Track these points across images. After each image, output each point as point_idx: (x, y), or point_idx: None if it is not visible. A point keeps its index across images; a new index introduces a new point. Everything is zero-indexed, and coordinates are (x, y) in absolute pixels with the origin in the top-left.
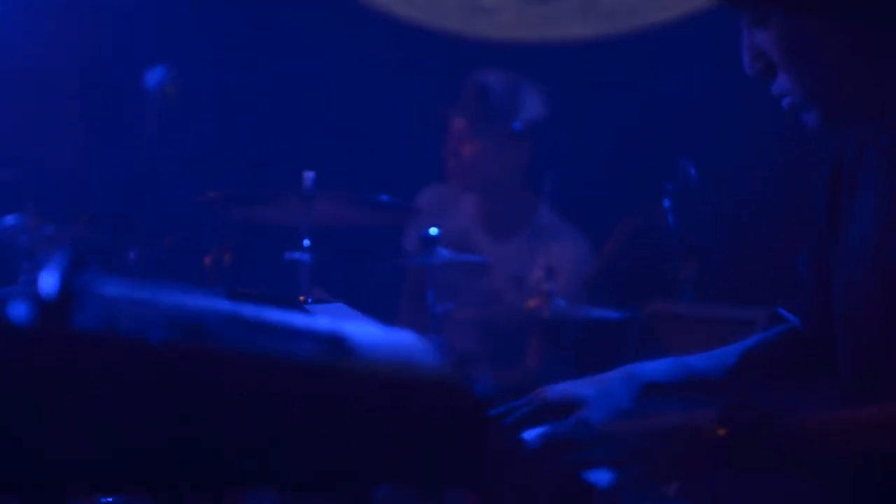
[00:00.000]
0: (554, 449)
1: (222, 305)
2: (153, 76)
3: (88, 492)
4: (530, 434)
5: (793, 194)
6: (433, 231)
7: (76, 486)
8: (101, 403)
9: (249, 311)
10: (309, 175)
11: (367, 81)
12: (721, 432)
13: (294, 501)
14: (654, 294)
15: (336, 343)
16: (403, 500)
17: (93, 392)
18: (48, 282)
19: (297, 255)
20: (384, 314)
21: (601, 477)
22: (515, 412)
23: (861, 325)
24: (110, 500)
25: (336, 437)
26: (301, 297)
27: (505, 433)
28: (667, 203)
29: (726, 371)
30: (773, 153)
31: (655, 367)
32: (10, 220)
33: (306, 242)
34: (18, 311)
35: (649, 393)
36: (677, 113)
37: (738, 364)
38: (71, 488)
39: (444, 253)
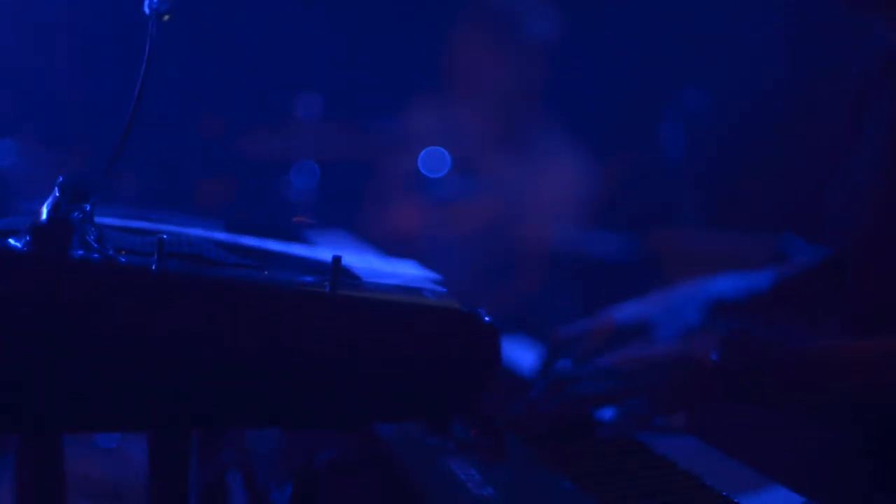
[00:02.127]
0: (556, 384)
1: (221, 235)
2: (150, 3)
3: (85, 428)
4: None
5: (799, 123)
6: (433, 160)
7: (73, 422)
8: (99, 333)
9: (249, 240)
10: (307, 100)
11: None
12: (719, 362)
13: (296, 436)
14: (658, 223)
15: (338, 273)
16: (410, 432)
17: (90, 321)
18: (46, 211)
19: (292, 184)
20: (381, 243)
21: (604, 411)
22: (585, 340)
23: (878, 248)
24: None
25: (339, 368)
26: (298, 218)
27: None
28: (671, 131)
29: (784, 292)
30: (782, 79)
31: (722, 284)
32: (6, 147)
33: (302, 171)
34: (16, 239)
35: (717, 310)
36: (683, 37)
37: (785, 285)
38: (68, 423)
39: (443, 181)
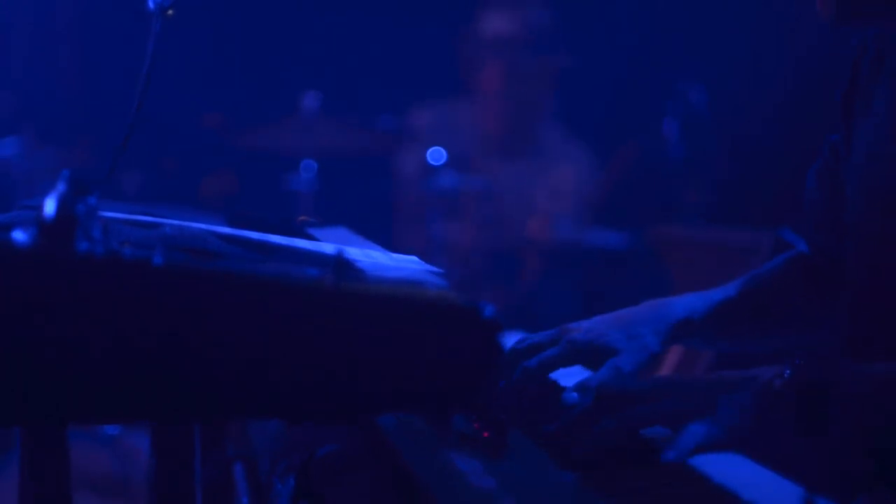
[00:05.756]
0: (607, 405)
1: (224, 229)
2: None
3: (89, 420)
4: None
5: (798, 118)
6: (435, 157)
7: (77, 415)
8: (103, 328)
9: (252, 234)
10: (309, 97)
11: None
12: (787, 385)
13: (298, 429)
14: (659, 218)
15: (341, 266)
16: (411, 424)
17: (95, 317)
18: (50, 206)
19: (295, 180)
20: (384, 239)
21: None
22: (541, 354)
23: (874, 238)
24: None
25: (341, 362)
26: (301, 217)
27: (532, 374)
28: (672, 125)
29: (743, 303)
30: (780, 73)
31: (680, 305)
32: (8, 144)
33: (305, 167)
34: (21, 235)
35: (677, 333)
36: (684, 33)
37: (749, 294)
38: (72, 416)
39: (445, 178)
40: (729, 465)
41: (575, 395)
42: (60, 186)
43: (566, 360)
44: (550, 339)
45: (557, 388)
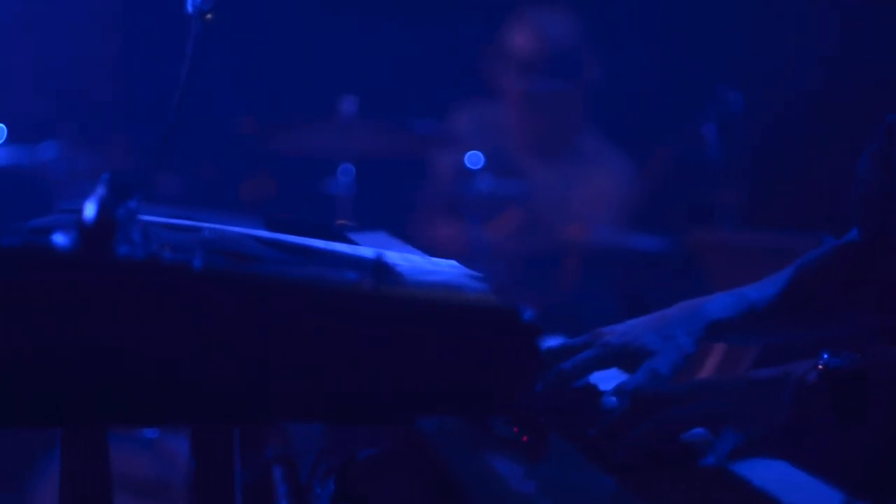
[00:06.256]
0: (644, 408)
1: (263, 233)
2: (193, 2)
3: (129, 423)
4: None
5: (835, 120)
6: (473, 161)
7: (117, 417)
8: (143, 331)
9: (291, 238)
10: (347, 101)
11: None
12: (822, 378)
13: (338, 432)
14: (697, 222)
15: (380, 270)
16: (451, 428)
17: (134, 320)
18: (91, 209)
19: (333, 183)
20: (421, 243)
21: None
22: (576, 358)
23: None
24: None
25: (381, 365)
26: (341, 221)
27: (567, 377)
28: (708, 129)
29: (783, 298)
30: (816, 76)
31: (715, 304)
32: (47, 147)
33: (343, 171)
34: (61, 238)
35: (711, 333)
36: (720, 36)
37: (792, 288)
38: (111, 419)
39: (483, 182)
40: (768, 469)
41: (613, 399)
42: (100, 190)
43: (601, 363)
44: (585, 342)
45: (596, 392)
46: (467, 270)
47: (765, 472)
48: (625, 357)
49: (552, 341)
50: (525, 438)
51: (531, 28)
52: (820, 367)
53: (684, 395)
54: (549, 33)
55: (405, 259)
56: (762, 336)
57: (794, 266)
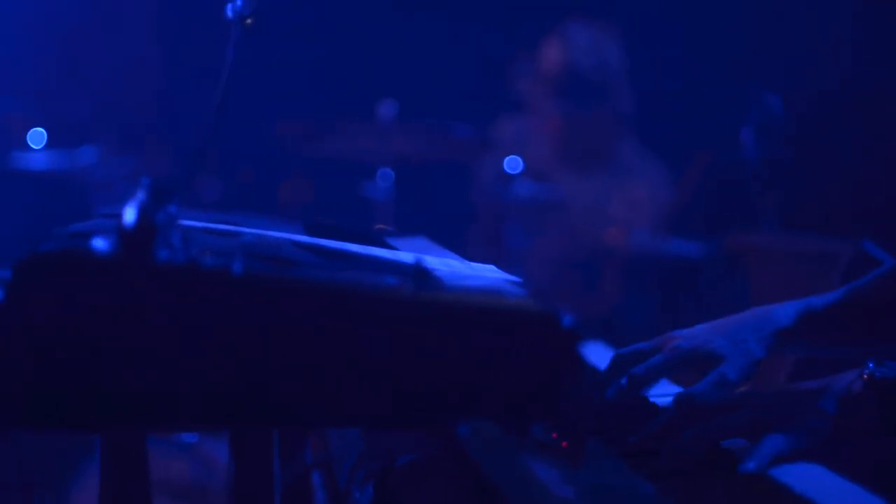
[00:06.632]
0: (690, 416)
1: (303, 237)
2: (233, 7)
3: (169, 428)
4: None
5: (876, 125)
6: (512, 167)
7: (156, 422)
8: (183, 336)
9: (330, 243)
10: (386, 105)
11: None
12: (868, 387)
13: (377, 437)
14: (737, 226)
15: (420, 275)
16: (489, 433)
17: (174, 324)
18: (131, 214)
19: (371, 188)
20: (460, 249)
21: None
22: (647, 363)
23: None
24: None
25: (420, 370)
26: (379, 226)
27: (639, 381)
28: (747, 133)
29: (849, 311)
30: (857, 80)
31: (785, 311)
32: (86, 152)
33: (382, 175)
34: (101, 243)
35: (779, 340)
36: (760, 39)
37: (857, 302)
38: (151, 424)
39: (522, 188)
40: (810, 476)
41: (671, 404)
42: (140, 194)
43: (671, 368)
44: (654, 346)
45: (645, 400)
46: (507, 276)
47: (806, 479)
48: (694, 361)
49: (593, 347)
50: (564, 444)
51: (564, 53)
52: (865, 376)
53: (729, 405)
54: (582, 58)
55: (445, 264)
56: (824, 348)
57: (864, 280)
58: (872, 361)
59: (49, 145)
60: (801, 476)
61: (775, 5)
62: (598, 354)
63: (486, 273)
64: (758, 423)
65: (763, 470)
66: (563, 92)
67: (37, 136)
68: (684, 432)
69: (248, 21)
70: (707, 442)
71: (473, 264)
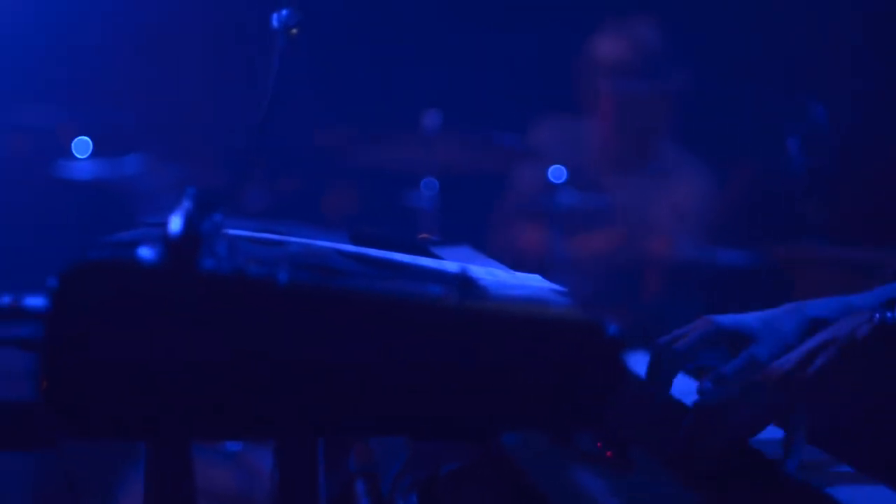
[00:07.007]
0: (710, 417)
1: (348, 247)
2: (278, 18)
3: (214, 437)
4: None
5: None
6: (556, 175)
7: (201, 431)
8: (229, 345)
9: (376, 252)
10: (430, 114)
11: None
12: (874, 331)
13: (422, 446)
14: (782, 236)
15: (465, 284)
16: (535, 442)
17: (220, 334)
18: (176, 223)
19: (416, 197)
20: (504, 257)
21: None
22: (686, 339)
23: None
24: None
25: (466, 379)
26: (423, 235)
27: (678, 358)
28: (793, 142)
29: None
30: None
31: (818, 304)
32: (131, 161)
33: (426, 185)
34: (147, 252)
35: (816, 328)
36: (806, 47)
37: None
38: (196, 432)
39: (566, 195)
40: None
41: (709, 384)
42: (186, 203)
43: (708, 342)
44: (692, 327)
45: (680, 407)
46: (552, 285)
47: (846, 485)
48: (729, 337)
49: (637, 356)
50: (608, 453)
51: (620, 32)
52: (874, 321)
53: (744, 395)
54: (637, 36)
55: (489, 273)
56: None
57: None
58: (878, 311)
59: (95, 154)
60: (841, 481)
61: (824, 15)
62: (643, 364)
63: (530, 283)
64: (778, 404)
65: (801, 458)
66: (620, 70)
67: (82, 145)
68: (709, 435)
69: (294, 31)
70: (736, 438)
71: (518, 274)
